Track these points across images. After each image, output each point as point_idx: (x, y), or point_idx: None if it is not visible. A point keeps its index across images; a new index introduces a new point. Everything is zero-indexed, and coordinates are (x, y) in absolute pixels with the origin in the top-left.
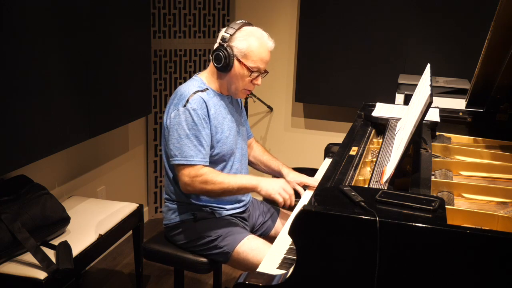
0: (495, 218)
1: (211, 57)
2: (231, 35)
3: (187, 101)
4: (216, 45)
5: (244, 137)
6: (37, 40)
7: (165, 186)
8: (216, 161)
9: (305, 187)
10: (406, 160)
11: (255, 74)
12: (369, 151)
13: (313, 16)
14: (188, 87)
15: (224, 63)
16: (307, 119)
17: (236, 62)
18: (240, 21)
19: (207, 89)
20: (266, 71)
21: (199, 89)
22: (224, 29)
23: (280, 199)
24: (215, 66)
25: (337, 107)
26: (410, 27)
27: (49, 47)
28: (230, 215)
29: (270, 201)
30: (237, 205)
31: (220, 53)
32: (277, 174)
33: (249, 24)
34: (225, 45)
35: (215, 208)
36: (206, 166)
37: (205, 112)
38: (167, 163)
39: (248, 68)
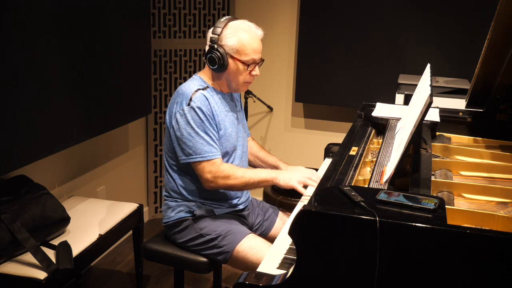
0: (495, 218)
1: (205, 60)
2: (219, 35)
3: (191, 99)
4: (207, 48)
5: (244, 134)
6: (37, 40)
7: (164, 184)
8: None
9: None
10: (406, 160)
11: (252, 66)
12: (369, 151)
13: (313, 16)
14: (189, 86)
15: (219, 63)
16: (307, 119)
17: (230, 60)
18: (224, 18)
19: (208, 87)
20: (262, 60)
21: (200, 87)
22: (210, 30)
23: (297, 186)
24: (210, 68)
25: (337, 107)
26: (410, 27)
27: (49, 47)
28: (230, 213)
29: (281, 203)
30: (236, 202)
31: (213, 55)
32: (274, 169)
33: (234, 18)
34: (216, 46)
35: (214, 206)
36: (222, 160)
37: (209, 109)
38: (167, 161)
39: (243, 63)
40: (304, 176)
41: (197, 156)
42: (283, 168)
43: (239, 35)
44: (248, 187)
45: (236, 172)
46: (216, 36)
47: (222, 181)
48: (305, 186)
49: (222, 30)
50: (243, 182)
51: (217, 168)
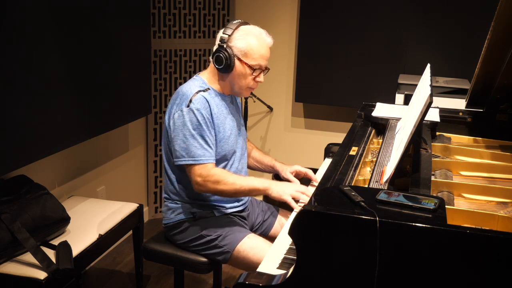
0: (495, 218)
1: (211, 59)
2: (229, 36)
3: (190, 101)
4: (215, 47)
5: (244, 137)
6: (37, 40)
7: (164, 186)
8: (218, 160)
9: (305, 181)
10: (406, 160)
11: (257, 72)
12: (369, 151)
13: (313, 16)
14: (190, 87)
15: (225, 64)
16: (307, 119)
17: (237, 62)
18: (237, 20)
19: (209, 88)
20: (267, 68)
21: (201, 89)
22: (221, 30)
23: (290, 201)
24: (216, 68)
25: (337, 107)
26: (410, 27)
27: (49, 47)
28: (230, 213)
29: (280, 203)
30: (237, 203)
31: (221, 55)
32: (270, 169)
33: (246, 23)
34: (225, 46)
35: (214, 207)
36: (215, 165)
37: (209, 112)
38: (167, 162)
39: (249, 67)
40: (298, 191)
41: (189, 158)
42: (279, 168)
43: (249, 39)
44: (238, 194)
45: (227, 178)
46: (226, 37)
47: (212, 185)
48: (297, 201)
49: (233, 32)
50: (233, 189)
51: (208, 172)
